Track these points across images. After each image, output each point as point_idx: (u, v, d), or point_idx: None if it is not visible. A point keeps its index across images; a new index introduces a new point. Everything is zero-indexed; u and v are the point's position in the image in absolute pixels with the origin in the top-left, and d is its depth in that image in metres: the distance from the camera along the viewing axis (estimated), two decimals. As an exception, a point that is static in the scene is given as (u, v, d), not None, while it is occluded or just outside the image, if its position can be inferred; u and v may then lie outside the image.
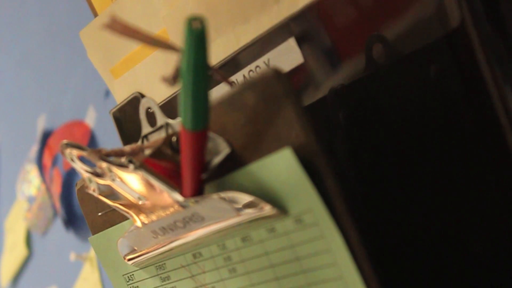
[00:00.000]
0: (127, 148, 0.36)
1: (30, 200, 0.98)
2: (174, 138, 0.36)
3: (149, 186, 0.35)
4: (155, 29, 0.48)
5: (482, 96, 0.36)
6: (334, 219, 0.31)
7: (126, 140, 0.53)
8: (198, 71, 0.30)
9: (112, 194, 0.38)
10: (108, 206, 0.39)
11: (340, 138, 0.42)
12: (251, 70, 0.44)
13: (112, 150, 0.36)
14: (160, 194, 0.35)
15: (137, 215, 0.38)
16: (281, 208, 0.32)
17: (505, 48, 0.36)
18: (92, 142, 0.81)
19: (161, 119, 0.37)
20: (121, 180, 0.36)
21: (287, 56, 0.42)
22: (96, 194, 0.39)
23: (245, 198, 0.33)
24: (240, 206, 0.33)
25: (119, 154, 0.36)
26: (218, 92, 0.44)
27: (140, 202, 0.37)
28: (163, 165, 0.35)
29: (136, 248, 0.40)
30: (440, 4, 0.36)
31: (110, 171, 0.36)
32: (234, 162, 0.34)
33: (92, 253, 0.84)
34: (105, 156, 0.36)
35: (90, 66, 0.54)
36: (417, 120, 0.39)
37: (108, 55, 0.52)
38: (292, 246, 0.33)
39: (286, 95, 0.31)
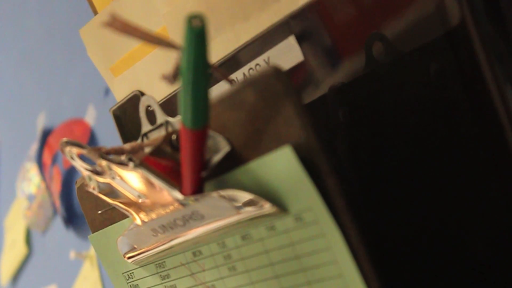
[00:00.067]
0: (127, 146, 0.36)
1: (30, 198, 0.98)
2: (174, 136, 0.36)
3: (149, 184, 0.35)
4: (155, 27, 0.48)
5: (482, 94, 0.36)
6: (334, 217, 0.31)
7: (126, 138, 0.53)
8: (198, 69, 0.30)
9: (112, 192, 0.38)
10: (108, 204, 0.39)
11: (340, 136, 0.42)
12: (251, 68, 0.44)
13: (112, 148, 0.36)
14: (160, 192, 0.35)
15: (137, 213, 0.38)
16: (281, 206, 0.32)
17: (505, 46, 0.36)
18: (92, 140, 0.81)
19: (161, 117, 0.37)
20: (121, 178, 0.36)
21: (287, 54, 0.42)
22: (96, 192, 0.39)
23: (245, 196, 0.33)
24: (240, 204, 0.33)
25: (119, 152, 0.36)
26: (218, 90, 0.44)
27: (140, 200, 0.37)
28: (163, 163, 0.35)
29: (136, 246, 0.40)
30: (440, 2, 0.36)
31: (110, 169, 0.36)
32: (234, 160, 0.34)
33: (92, 251, 0.84)
34: (105, 154, 0.36)
35: (90, 64, 0.54)
36: (417, 118, 0.39)
37: (108, 53, 0.52)
38: (292, 244, 0.33)
39: (286, 93, 0.31)
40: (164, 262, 0.40)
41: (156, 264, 0.40)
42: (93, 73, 0.55)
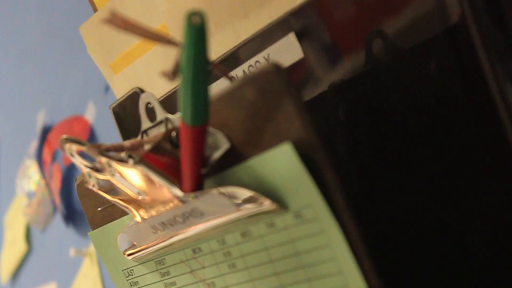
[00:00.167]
0: (127, 143, 0.36)
1: (30, 195, 0.98)
2: (173, 133, 0.36)
3: (149, 181, 0.35)
4: (155, 24, 0.48)
5: (482, 91, 0.36)
6: (334, 214, 0.31)
7: (125, 135, 0.53)
8: (198, 66, 0.30)
9: (111, 189, 0.38)
10: (108, 201, 0.39)
11: (339, 133, 0.42)
12: (251, 65, 0.44)
13: (111, 145, 0.36)
14: (159, 189, 0.35)
15: (137, 210, 0.38)
16: (280, 203, 0.32)
17: (506, 43, 0.36)
18: (91, 138, 0.81)
19: (160, 114, 0.37)
20: (121, 175, 0.36)
21: (287, 51, 0.42)
22: (95, 189, 0.39)
23: (245, 193, 0.33)
24: (239, 201, 0.33)
25: (119, 149, 0.36)
26: (218, 87, 0.44)
27: (139, 197, 0.37)
28: (162, 160, 0.35)
29: (135, 243, 0.40)
30: (440, -1, 0.36)
31: (110, 166, 0.36)
32: (234, 157, 0.34)
33: (91, 248, 0.84)
34: (105, 151, 0.36)
35: (89, 62, 0.54)
36: (417, 115, 0.39)
37: (107, 50, 0.52)
38: (292, 241, 0.33)
39: (286, 90, 0.31)
40: (164, 259, 0.40)
41: (156, 261, 0.41)
42: (93, 70, 0.55)
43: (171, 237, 0.37)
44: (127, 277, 0.43)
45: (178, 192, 0.34)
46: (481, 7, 0.36)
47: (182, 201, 0.34)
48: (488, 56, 0.35)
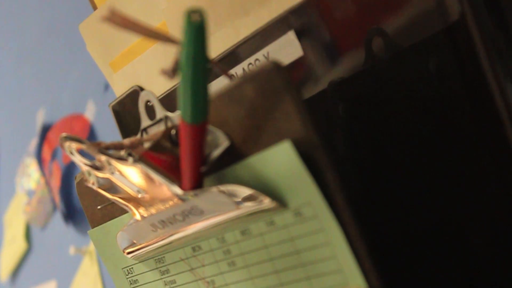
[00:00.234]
0: (126, 141, 0.36)
1: (30, 193, 0.98)
2: (173, 131, 0.36)
3: (148, 179, 0.35)
4: (155, 22, 0.48)
5: (481, 89, 0.36)
6: (334, 212, 0.31)
7: (125, 133, 0.53)
8: (198, 64, 0.30)
9: (111, 187, 0.38)
10: (107, 199, 0.39)
11: (339, 131, 0.42)
12: (250, 63, 0.44)
13: (111, 143, 0.36)
14: (159, 187, 0.35)
15: (136, 209, 0.38)
16: (280, 201, 0.32)
17: (505, 41, 0.36)
18: (91, 136, 0.81)
19: (160, 112, 0.37)
20: (120, 173, 0.36)
21: (287, 49, 0.42)
22: (95, 188, 0.39)
23: (245, 191, 0.33)
24: (239, 199, 0.33)
25: (118, 147, 0.36)
26: (218, 85, 0.44)
27: (139, 195, 0.37)
28: (162, 158, 0.35)
29: (135, 241, 0.40)
30: (440, -3, 0.36)
31: (109, 164, 0.36)
32: (234, 155, 0.34)
33: (91, 246, 0.84)
34: (104, 149, 0.36)
35: (89, 60, 0.54)
36: (417, 113, 0.39)
37: (107, 48, 0.52)
38: (292, 239, 0.33)
39: (286, 88, 0.31)
40: (164, 257, 0.40)
41: (155, 259, 0.41)
42: (93, 68, 0.55)
43: (171, 235, 0.37)
44: (127, 275, 0.43)
45: (178, 190, 0.34)
46: (481, 5, 0.35)
47: (181, 199, 0.34)
48: (488, 54, 0.35)
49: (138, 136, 0.38)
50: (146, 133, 0.39)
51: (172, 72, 0.31)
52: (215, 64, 0.38)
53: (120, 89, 0.52)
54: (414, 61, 0.38)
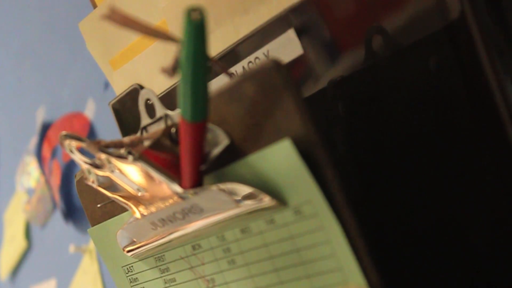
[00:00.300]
0: (126, 139, 0.36)
1: (30, 192, 0.98)
2: (173, 130, 0.36)
3: (148, 177, 0.35)
4: (155, 20, 0.48)
5: (481, 87, 0.36)
6: (333, 210, 0.31)
7: (125, 131, 0.53)
8: (198, 62, 0.30)
9: (111, 185, 0.38)
10: (107, 197, 0.39)
11: (339, 130, 0.42)
12: (250, 62, 0.44)
13: (111, 142, 0.36)
14: (159, 185, 0.35)
15: (136, 207, 0.38)
16: (280, 199, 0.32)
17: (505, 39, 0.36)
18: (91, 134, 0.81)
19: (160, 110, 0.37)
20: (120, 171, 0.36)
21: (287, 47, 0.42)
22: (95, 186, 0.39)
23: (245, 189, 0.33)
24: (239, 197, 0.33)
25: (118, 145, 0.36)
26: (218, 83, 0.44)
27: (139, 194, 0.37)
28: (162, 156, 0.35)
29: (135, 239, 0.40)
30: (440, -5, 0.36)
31: (109, 162, 0.36)
32: (233, 153, 0.34)
33: (91, 245, 0.84)
34: (104, 148, 0.36)
35: (89, 58, 0.54)
36: (417, 111, 0.39)
37: (107, 46, 0.52)
38: (292, 237, 0.33)
39: (286, 87, 0.31)
40: (164, 255, 0.40)
41: (155, 258, 0.41)
42: (93, 66, 0.55)
43: (171, 233, 0.37)
44: (127, 273, 0.43)
45: (178, 188, 0.34)
46: (481, 3, 0.35)
47: (181, 197, 0.34)
48: (487, 52, 0.35)
49: (138, 134, 0.39)
50: (146, 131, 0.39)
51: (172, 70, 0.31)
52: (215, 63, 0.38)
53: (120, 87, 0.52)
54: (414, 59, 0.38)
